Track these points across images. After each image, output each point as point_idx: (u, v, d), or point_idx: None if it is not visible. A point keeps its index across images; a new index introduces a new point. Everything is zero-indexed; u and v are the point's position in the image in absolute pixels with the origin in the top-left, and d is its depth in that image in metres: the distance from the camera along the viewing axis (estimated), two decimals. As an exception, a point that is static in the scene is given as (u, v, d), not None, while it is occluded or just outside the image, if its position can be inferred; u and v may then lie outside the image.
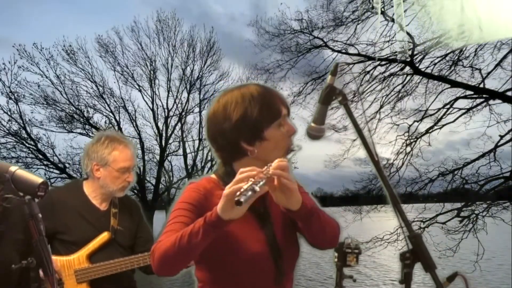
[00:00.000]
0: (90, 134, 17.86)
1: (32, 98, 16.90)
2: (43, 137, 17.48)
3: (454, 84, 9.75)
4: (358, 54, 10.63)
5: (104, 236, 2.01)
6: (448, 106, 9.87)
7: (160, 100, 19.30)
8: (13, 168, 1.17)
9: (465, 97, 9.81)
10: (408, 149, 10.17)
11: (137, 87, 18.92)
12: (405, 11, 9.43)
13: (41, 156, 17.46)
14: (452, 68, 9.76)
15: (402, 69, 10.19)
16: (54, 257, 1.90)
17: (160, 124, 19.44)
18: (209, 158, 19.44)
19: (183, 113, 19.61)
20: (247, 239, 1.18)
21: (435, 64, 9.90)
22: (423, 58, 10.05)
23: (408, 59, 9.74)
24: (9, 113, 16.51)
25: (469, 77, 9.69)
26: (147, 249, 1.88)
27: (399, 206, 1.04)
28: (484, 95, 9.59)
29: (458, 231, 9.21)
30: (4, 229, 1.52)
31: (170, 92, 19.37)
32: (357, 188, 10.83)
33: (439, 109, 10.05)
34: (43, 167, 17.51)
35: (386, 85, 10.42)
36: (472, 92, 9.72)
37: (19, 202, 1.42)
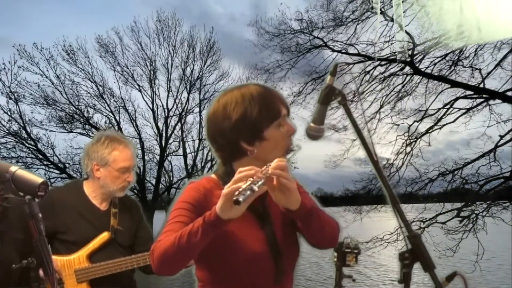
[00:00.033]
0: (90, 134, 17.87)
1: (32, 98, 16.93)
2: (43, 137, 17.52)
3: (454, 84, 9.76)
4: (358, 54, 10.64)
5: (104, 236, 2.01)
6: (448, 106, 9.89)
7: (160, 100, 19.33)
8: (13, 168, 1.17)
9: (465, 97, 9.82)
10: (408, 149, 10.19)
11: (137, 87, 18.94)
12: (405, 11, 9.44)
13: (41, 156, 17.47)
14: (452, 68, 9.78)
15: (402, 69, 10.19)
16: (54, 257, 1.90)
17: (160, 124, 19.47)
18: (209, 158, 19.45)
19: (183, 113, 19.63)
20: (247, 239, 1.18)
21: (435, 64, 9.92)
22: (423, 58, 10.06)
23: (408, 59, 9.74)
24: (9, 113, 16.54)
25: (469, 77, 9.71)
26: (147, 249, 1.88)
27: (398, 206, 1.04)
28: (484, 95, 9.59)
29: (458, 231, 9.21)
30: (3, 229, 1.53)
31: (170, 92, 19.40)
32: (357, 188, 10.85)
33: (439, 109, 10.07)
34: (43, 167, 17.54)
35: (386, 85, 10.43)
36: (472, 92, 9.73)
37: (18, 201, 1.43)
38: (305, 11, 11.04)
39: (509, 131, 9.05)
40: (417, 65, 9.96)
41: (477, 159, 9.41)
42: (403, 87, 10.33)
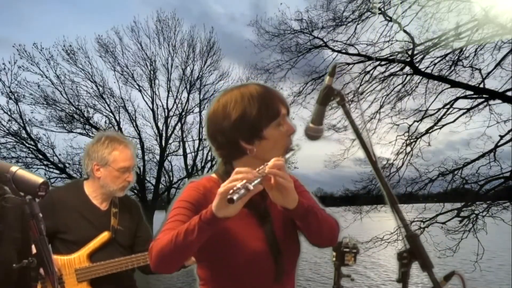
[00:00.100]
0: (90, 134, 17.87)
1: (32, 98, 16.90)
2: (43, 137, 17.49)
3: (454, 84, 9.75)
4: (358, 54, 10.63)
5: (104, 236, 2.02)
6: (448, 106, 9.88)
7: (160, 100, 19.30)
8: (14, 168, 1.17)
9: (465, 97, 9.81)
10: (408, 149, 10.18)
11: (137, 87, 18.91)
12: (405, 11, 9.45)
13: (41, 156, 17.46)
14: (452, 68, 9.77)
15: (402, 69, 10.19)
16: (55, 256, 1.91)
17: (160, 124, 19.45)
18: (209, 158, 19.45)
19: (183, 113, 19.61)
20: (247, 238, 1.19)
21: (435, 64, 9.91)
22: (423, 58, 10.06)
23: (408, 59, 9.74)
24: (9, 113, 16.51)
25: (469, 77, 9.70)
26: (147, 248, 1.88)
27: (397, 206, 1.05)
28: (484, 95, 9.59)
29: (458, 231, 9.20)
30: (2, 229, 1.53)
31: (170, 92, 19.37)
32: (357, 188, 10.84)
33: (439, 109, 10.06)
34: (43, 167, 17.52)
35: (386, 85, 10.42)
36: (472, 92, 9.72)
37: (16, 201, 1.43)
38: (305, 11, 11.04)
39: (509, 131, 9.05)
40: (417, 65, 9.96)
41: (477, 159, 9.41)
42: (403, 87, 10.33)
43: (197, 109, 19.76)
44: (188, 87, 19.43)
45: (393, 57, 9.99)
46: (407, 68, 10.08)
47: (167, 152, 19.77)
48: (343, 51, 10.85)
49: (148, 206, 17.85)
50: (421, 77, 10.14)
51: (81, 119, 18.05)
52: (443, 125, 10.02)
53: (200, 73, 19.40)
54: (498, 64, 9.05)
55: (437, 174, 9.85)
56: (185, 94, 19.55)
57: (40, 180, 1.17)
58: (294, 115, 10.51)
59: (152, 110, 19.19)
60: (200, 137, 19.28)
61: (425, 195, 10.63)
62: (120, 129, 18.22)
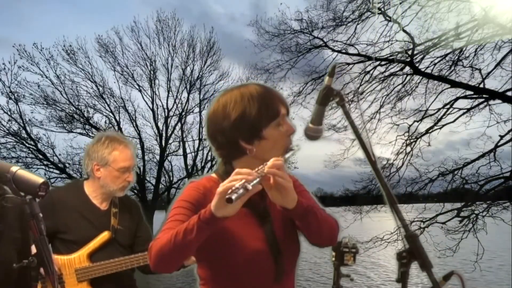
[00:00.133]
0: (90, 134, 17.87)
1: (32, 98, 16.90)
2: (43, 137, 17.49)
3: (454, 84, 9.75)
4: (358, 54, 10.63)
5: (104, 236, 2.02)
6: (448, 106, 9.88)
7: (160, 100, 19.31)
8: (14, 168, 1.18)
9: (465, 97, 9.81)
10: (408, 149, 10.18)
11: (137, 87, 18.91)
12: (405, 11, 9.46)
13: (41, 156, 17.46)
14: (452, 68, 9.77)
15: (402, 69, 10.19)
16: (55, 256, 1.91)
17: (160, 124, 19.46)
18: (209, 158, 19.45)
19: (183, 113, 19.62)
20: (247, 237, 1.19)
21: (435, 64, 9.91)
22: (423, 58, 10.06)
23: (408, 59, 9.74)
24: (9, 113, 16.52)
25: (469, 77, 9.70)
26: (147, 248, 1.89)
27: (396, 206, 1.05)
28: (484, 95, 9.59)
29: (458, 231, 9.20)
30: (2, 229, 1.53)
31: (170, 92, 19.37)
32: (357, 188, 10.83)
33: (439, 109, 10.05)
34: (43, 167, 17.52)
35: (386, 85, 10.42)
36: (472, 92, 9.72)
37: (16, 201, 1.44)
38: (305, 11, 11.04)
39: (509, 131, 9.05)
40: (417, 65, 9.96)
41: (477, 159, 9.41)
42: (403, 87, 10.33)
43: (197, 109, 19.79)
44: (188, 87, 19.45)
45: (393, 57, 9.99)
46: (407, 68, 10.09)
47: (167, 152, 19.79)
48: (343, 51, 10.87)
49: (148, 206, 17.85)
50: (421, 77, 10.15)
51: (81, 119, 18.07)
52: (443, 125, 10.03)
53: (200, 73, 19.43)
54: (498, 64, 9.06)
55: (437, 174, 9.86)
56: (185, 94, 19.58)
57: (40, 180, 1.17)
58: (294, 115, 10.51)
59: (152, 110, 19.21)
60: (200, 137, 19.30)
61: (425, 195, 10.64)
62: (120, 129, 18.23)
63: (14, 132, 16.81)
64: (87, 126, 18.18)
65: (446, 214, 9.56)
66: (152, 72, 18.94)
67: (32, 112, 17.15)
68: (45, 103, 17.24)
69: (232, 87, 1.29)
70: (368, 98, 10.48)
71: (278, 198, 1.14)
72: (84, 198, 2.07)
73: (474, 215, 9.21)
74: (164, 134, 19.44)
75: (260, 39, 11.69)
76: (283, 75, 11.62)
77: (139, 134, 19.20)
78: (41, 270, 1.19)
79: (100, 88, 18.15)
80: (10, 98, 16.32)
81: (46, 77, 16.94)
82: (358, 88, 10.32)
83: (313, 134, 1.23)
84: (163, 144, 19.42)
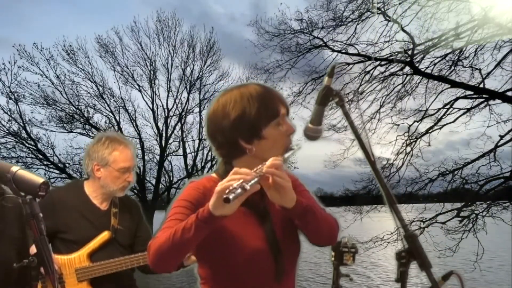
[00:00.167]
0: (90, 134, 17.87)
1: (32, 98, 16.90)
2: (43, 137, 17.49)
3: (454, 84, 9.75)
4: (358, 54, 10.63)
5: (104, 235, 2.02)
6: (448, 106, 9.87)
7: (160, 100, 19.30)
8: (14, 168, 1.18)
9: (465, 97, 9.80)
10: (408, 149, 10.18)
11: (137, 87, 18.90)
12: (405, 11, 9.46)
13: (41, 156, 17.46)
14: (452, 68, 9.77)
15: (402, 69, 10.19)
16: (55, 256, 1.92)
17: (160, 124, 19.45)
18: (209, 158, 19.45)
19: (183, 113, 19.61)
20: (247, 236, 1.19)
21: (435, 64, 9.91)
22: (423, 58, 10.06)
23: (408, 59, 9.74)
24: (9, 113, 16.52)
25: (469, 77, 9.70)
26: (146, 248, 1.89)
27: (396, 206, 1.05)
28: (484, 95, 9.58)
29: (458, 231, 9.20)
30: (2, 228, 1.53)
31: (170, 92, 19.36)
32: (357, 188, 10.83)
33: (439, 109, 10.05)
34: (43, 167, 17.52)
35: (386, 85, 10.42)
36: (472, 92, 9.71)
37: (15, 200, 1.44)
38: (305, 11, 11.03)
39: (509, 131, 9.05)
40: (417, 65, 9.96)
41: (477, 159, 9.41)
42: (403, 87, 10.33)
43: (197, 109, 19.78)
44: (188, 87, 19.45)
45: (393, 57, 9.99)
46: (407, 68, 10.09)
47: (167, 152, 19.79)
48: (343, 51, 10.86)
49: (148, 206, 17.85)
50: (421, 77, 10.15)
51: (81, 119, 18.06)
52: (443, 125, 10.03)
53: (200, 73, 19.42)
54: (498, 64, 9.05)
55: (437, 174, 9.86)
56: (185, 94, 19.57)
57: (40, 180, 1.17)
58: (294, 115, 10.51)
59: (152, 110, 19.21)
60: (200, 137, 19.30)
61: (425, 195, 10.64)
62: (120, 129, 18.22)
63: (14, 132, 16.82)
64: (87, 126, 18.20)
65: (446, 214, 9.56)
66: (152, 72, 18.95)
67: (32, 112, 17.17)
68: (45, 103, 17.25)
69: (232, 87, 1.30)
70: (368, 98, 10.49)
71: (277, 197, 1.14)
72: (84, 198, 2.08)
73: (474, 215, 9.21)
74: (164, 134, 19.45)
75: (260, 39, 11.70)
76: (283, 75, 11.62)
77: (139, 134, 19.22)
78: (41, 269, 1.19)
79: (100, 88, 18.16)
80: (10, 98, 16.33)
81: (46, 77, 16.95)
82: (358, 88, 10.33)
83: (312, 134, 1.23)
84: (163, 144, 19.43)
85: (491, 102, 9.44)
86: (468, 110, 9.70)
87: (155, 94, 19.16)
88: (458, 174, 9.66)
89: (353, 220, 10.19)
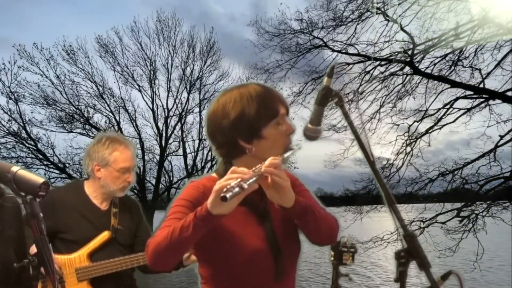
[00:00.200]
0: (90, 134, 17.88)
1: (32, 98, 16.91)
2: (43, 137, 17.50)
3: (454, 84, 9.75)
4: (358, 54, 10.63)
5: (104, 235, 2.03)
6: (448, 106, 9.87)
7: (160, 100, 19.30)
8: (15, 168, 1.18)
9: (465, 97, 9.80)
10: (408, 149, 10.18)
11: (137, 87, 18.91)
12: (405, 11, 9.46)
13: (41, 156, 17.47)
14: (452, 68, 9.77)
15: (402, 69, 10.19)
16: (55, 256, 1.92)
17: (160, 124, 19.46)
18: (209, 158, 19.46)
19: (183, 113, 19.62)
20: (247, 236, 1.20)
21: (435, 64, 9.91)
22: (423, 58, 10.06)
23: (408, 59, 9.74)
24: (9, 113, 16.53)
25: (469, 77, 9.70)
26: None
27: (395, 206, 1.05)
28: (484, 95, 9.59)
29: (458, 231, 9.21)
30: (1, 228, 1.54)
31: (170, 92, 19.37)
32: (357, 188, 10.82)
33: (439, 109, 10.04)
34: (43, 167, 17.53)
35: (386, 85, 10.42)
36: (472, 92, 9.71)
37: (14, 200, 1.44)
38: (305, 11, 11.02)
39: (509, 131, 9.04)
40: (417, 65, 9.96)
41: (477, 159, 9.40)
42: (403, 87, 10.33)
43: (197, 109, 19.79)
44: (188, 87, 19.45)
45: (392, 57, 9.99)
46: (407, 68, 10.09)
47: (167, 152, 19.79)
48: (343, 51, 10.87)
49: (148, 206, 17.86)
50: (421, 77, 10.15)
51: (81, 119, 18.07)
52: (443, 125, 10.03)
53: (200, 73, 19.43)
54: (498, 64, 9.06)
55: (437, 174, 9.85)
56: (185, 94, 19.58)
57: (40, 180, 1.18)
58: (294, 115, 10.51)
59: (152, 110, 19.21)
60: (200, 137, 19.31)
61: (425, 195, 10.63)
62: (120, 129, 18.23)
63: (14, 132, 16.83)
64: (87, 126, 18.21)
65: (446, 214, 9.56)
66: (152, 72, 18.95)
67: (32, 112, 17.19)
68: (45, 103, 17.26)
69: (232, 87, 1.30)
70: (368, 98, 10.49)
71: (275, 197, 1.14)
72: (84, 198, 2.08)
73: (474, 215, 9.21)
74: (164, 134, 19.46)
75: (260, 39, 11.70)
76: (283, 75, 11.62)
77: (139, 134, 19.23)
78: (42, 269, 1.20)
79: (100, 88, 18.17)
80: (10, 98, 16.34)
81: (46, 77, 16.96)
82: (358, 88, 10.33)
83: (312, 135, 1.24)
84: (163, 144, 19.44)
85: (491, 102, 9.45)
86: (468, 110, 9.70)
87: (155, 94, 19.19)
88: (458, 174, 9.67)
89: (353, 220, 10.19)
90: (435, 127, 10.04)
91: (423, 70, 10.04)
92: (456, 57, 9.67)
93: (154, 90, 19.11)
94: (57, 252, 1.97)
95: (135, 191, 18.21)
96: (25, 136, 17.01)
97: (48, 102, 17.28)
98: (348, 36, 10.55)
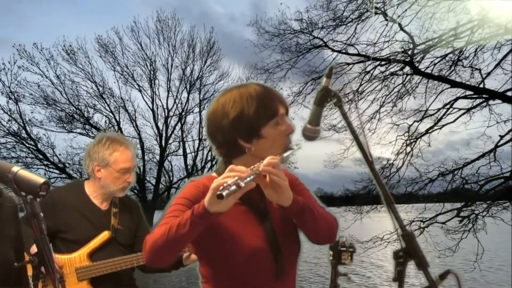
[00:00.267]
0: (90, 134, 17.91)
1: (32, 98, 16.95)
2: (43, 137, 17.54)
3: (454, 84, 9.75)
4: (358, 54, 10.64)
5: (104, 235, 2.03)
6: (448, 106, 9.88)
7: (160, 100, 19.34)
8: (15, 168, 1.19)
9: (465, 97, 9.80)
10: (408, 149, 10.18)
11: (137, 87, 18.94)
12: (405, 11, 9.46)
13: (41, 156, 17.49)
14: (452, 68, 9.77)
15: (402, 69, 10.19)
16: (55, 255, 1.93)
17: (160, 124, 19.48)
18: (209, 158, 19.49)
19: (183, 113, 19.65)
20: (247, 235, 1.20)
21: (435, 64, 9.91)
22: (423, 58, 10.06)
23: (408, 59, 9.75)
24: (9, 113, 16.56)
25: (469, 77, 9.70)
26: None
27: (393, 206, 1.06)
28: (484, 95, 9.59)
29: (458, 231, 9.21)
30: (1, 228, 1.54)
31: (170, 92, 19.40)
32: (357, 188, 10.82)
33: (439, 109, 10.05)
34: (43, 167, 17.57)
35: (385, 85, 10.42)
36: (472, 92, 9.72)
37: (12, 200, 1.44)
38: (305, 11, 11.01)
39: (509, 131, 9.05)
40: (417, 65, 9.97)
41: (477, 159, 9.40)
42: (403, 87, 10.33)
43: (197, 109, 19.82)
44: (188, 87, 19.48)
45: (392, 57, 9.99)
46: (407, 68, 10.09)
47: (167, 152, 19.82)
48: (343, 51, 10.87)
49: (148, 206, 17.87)
50: (421, 77, 10.15)
51: (81, 119, 18.10)
52: (443, 125, 10.03)
53: (200, 73, 19.45)
54: (498, 64, 9.06)
55: (437, 174, 9.85)
56: (185, 94, 19.61)
57: (41, 180, 1.18)
58: (294, 115, 10.53)
59: (152, 110, 19.24)
60: (200, 137, 19.33)
61: (425, 195, 10.63)
62: (120, 129, 18.26)
63: (14, 132, 16.86)
64: (87, 126, 18.24)
65: (446, 214, 9.56)
66: (152, 72, 18.98)
67: (32, 112, 17.22)
68: (45, 103, 17.30)
69: (232, 87, 1.31)
70: (368, 98, 10.49)
71: (274, 196, 1.15)
72: (84, 198, 2.09)
73: (474, 215, 9.21)
74: (164, 134, 19.48)
75: (260, 39, 11.69)
76: (283, 75, 11.61)
77: (139, 134, 19.26)
78: (42, 269, 1.20)
79: (100, 88, 18.20)
80: (10, 98, 16.38)
81: (46, 77, 17.00)
82: (358, 88, 10.33)
83: (310, 135, 1.24)
84: (163, 144, 19.46)
85: (491, 102, 9.45)
86: (468, 110, 9.71)
87: (155, 94, 19.22)
88: (458, 174, 9.67)
89: (353, 220, 10.19)
90: (435, 127, 10.05)
91: (423, 70, 10.04)
92: (456, 57, 9.68)
93: (154, 90, 19.15)
94: (58, 251, 1.98)
95: (135, 191, 18.23)
96: (25, 136, 17.06)
97: (48, 102, 17.32)
98: (348, 36, 10.56)
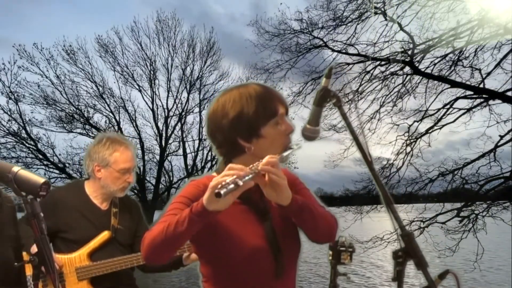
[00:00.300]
0: (90, 134, 17.92)
1: (32, 98, 16.96)
2: (43, 137, 17.55)
3: (454, 84, 9.75)
4: (358, 54, 10.64)
5: (104, 235, 2.04)
6: (448, 106, 9.87)
7: (160, 100, 19.34)
8: (15, 168, 1.19)
9: (465, 97, 9.80)
10: (408, 149, 10.18)
11: (137, 87, 18.95)
12: (404, 11, 9.47)
13: (41, 156, 17.50)
14: (452, 68, 9.77)
15: (402, 69, 10.19)
16: (56, 255, 1.93)
17: (160, 124, 19.49)
18: (209, 158, 19.50)
19: (183, 113, 19.65)
20: (247, 234, 1.21)
21: (435, 64, 9.91)
22: (423, 58, 10.06)
23: (408, 59, 9.75)
24: (9, 113, 16.57)
25: (469, 77, 9.70)
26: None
27: (392, 206, 1.06)
28: (484, 95, 9.59)
29: (458, 231, 9.21)
30: (1, 228, 1.54)
31: (170, 92, 19.40)
32: (357, 188, 10.82)
33: (439, 109, 10.04)
34: (43, 167, 17.57)
35: (385, 84, 10.42)
36: (472, 92, 9.71)
37: (11, 199, 1.44)
38: (305, 11, 11.01)
39: (509, 131, 9.05)
40: (417, 65, 9.96)
41: (477, 159, 9.40)
42: (403, 87, 10.33)
43: (197, 109, 19.83)
44: (188, 87, 19.48)
45: (392, 57, 9.99)
46: (407, 68, 10.09)
47: (167, 152, 19.82)
48: (343, 51, 10.87)
49: (148, 206, 17.87)
50: (421, 77, 10.15)
51: (81, 119, 18.11)
52: (443, 125, 10.02)
53: (200, 73, 19.46)
54: (498, 64, 9.06)
55: (437, 174, 9.85)
56: (185, 94, 19.61)
57: (41, 180, 1.18)
58: (294, 115, 10.53)
59: (152, 110, 19.24)
60: (200, 137, 19.34)
61: (425, 195, 10.63)
62: (120, 129, 18.26)
63: (14, 132, 16.87)
64: (87, 126, 18.24)
65: (446, 214, 9.56)
66: (152, 72, 18.98)
67: (32, 112, 17.23)
68: (45, 103, 17.30)
69: (232, 87, 1.31)
70: (368, 98, 10.49)
71: (272, 195, 1.15)
72: (84, 198, 2.09)
73: (474, 215, 9.21)
74: (164, 134, 19.48)
75: (260, 39, 11.69)
76: (283, 75, 11.61)
77: (139, 134, 19.26)
78: (42, 268, 1.20)
79: (100, 88, 18.21)
80: (10, 98, 16.38)
81: (46, 77, 17.00)
82: (358, 88, 10.33)
83: (310, 135, 1.25)
84: (163, 144, 19.46)
85: (491, 102, 9.45)
86: (468, 110, 9.70)
87: (155, 94, 19.22)
88: (458, 174, 9.66)
89: (353, 220, 10.18)
90: (435, 127, 10.05)
91: (423, 70, 10.04)
92: (456, 57, 9.68)
93: (154, 90, 19.16)
94: (58, 251, 1.98)
95: (135, 191, 18.23)
96: (25, 136, 17.06)
97: (48, 102, 17.33)
98: (348, 36, 10.56)
